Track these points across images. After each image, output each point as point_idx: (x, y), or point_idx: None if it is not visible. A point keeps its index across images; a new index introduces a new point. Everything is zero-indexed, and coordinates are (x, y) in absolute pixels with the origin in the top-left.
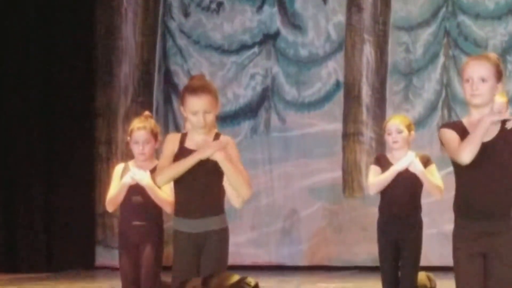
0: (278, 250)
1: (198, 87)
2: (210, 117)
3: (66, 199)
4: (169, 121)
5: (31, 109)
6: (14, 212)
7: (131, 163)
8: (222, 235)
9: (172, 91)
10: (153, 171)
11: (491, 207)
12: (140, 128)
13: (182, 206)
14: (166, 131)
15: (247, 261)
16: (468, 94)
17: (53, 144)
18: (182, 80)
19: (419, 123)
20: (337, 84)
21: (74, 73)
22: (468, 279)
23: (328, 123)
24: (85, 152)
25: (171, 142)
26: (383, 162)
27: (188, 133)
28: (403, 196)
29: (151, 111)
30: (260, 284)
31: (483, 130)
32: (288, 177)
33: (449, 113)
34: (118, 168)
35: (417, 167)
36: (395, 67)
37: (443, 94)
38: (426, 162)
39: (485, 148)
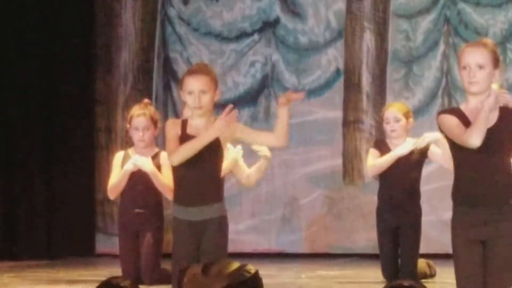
0: (278, 238)
1: (196, 68)
2: (206, 98)
3: (66, 186)
4: (169, 108)
5: (30, 97)
6: (14, 200)
7: (130, 151)
8: (222, 222)
9: (172, 79)
10: (154, 157)
11: (491, 194)
12: (139, 115)
13: (182, 194)
14: (165, 118)
15: (247, 249)
16: (466, 82)
17: (52, 133)
18: (181, 68)
19: (419, 111)
20: (337, 72)
21: (73, 60)
22: (467, 265)
23: (328, 111)
24: (85, 140)
25: (174, 126)
26: (382, 147)
27: (188, 119)
28: (401, 183)
29: (150, 98)
30: (260, 272)
31: (487, 112)
32: (288, 165)
33: (449, 101)
34: (118, 156)
35: (430, 137)
36: (395, 54)
37: (443, 82)
38: (426, 145)
39: (485, 135)
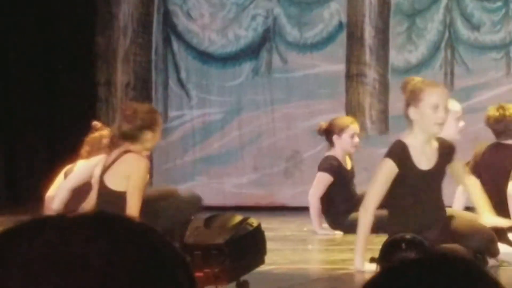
0: (280, 191)
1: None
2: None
3: (67, 140)
4: (168, 62)
5: (30, 52)
6: (15, 156)
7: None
8: None
9: (171, 32)
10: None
11: (440, 219)
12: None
13: None
14: (165, 73)
15: (249, 202)
16: (432, 122)
17: (53, 87)
18: (181, 21)
19: (422, 64)
20: (340, 25)
21: (73, 14)
22: None
23: (331, 64)
24: (85, 93)
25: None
26: (335, 168)
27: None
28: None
29: (150, 52)
30: (262, 225)
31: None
32: (290, 118)
33: (452, 54)
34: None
35: None
36: (398, 7)
37: (446, 35)
38: None
39: (425, 177)
